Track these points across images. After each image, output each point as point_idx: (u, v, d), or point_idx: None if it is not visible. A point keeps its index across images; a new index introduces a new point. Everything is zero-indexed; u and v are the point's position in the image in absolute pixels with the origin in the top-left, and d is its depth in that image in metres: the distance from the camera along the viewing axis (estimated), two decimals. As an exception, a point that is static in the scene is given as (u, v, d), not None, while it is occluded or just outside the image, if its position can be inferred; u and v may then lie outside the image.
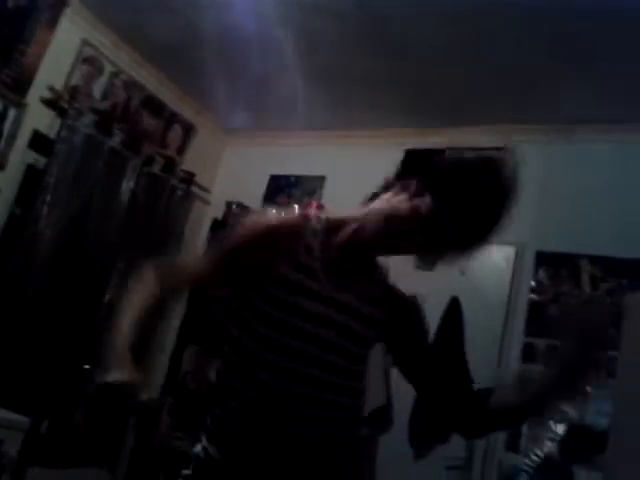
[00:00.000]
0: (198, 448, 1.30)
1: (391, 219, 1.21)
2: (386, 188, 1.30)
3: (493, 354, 3.05)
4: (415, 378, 1.36)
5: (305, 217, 1.31)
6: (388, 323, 1.32)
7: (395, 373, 3.15)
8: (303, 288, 1.23)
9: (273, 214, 1.33)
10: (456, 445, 2.97)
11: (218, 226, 4.01)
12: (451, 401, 1.34)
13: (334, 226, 1.30)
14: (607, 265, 2.98)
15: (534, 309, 3.08)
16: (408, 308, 1.38)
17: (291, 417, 1.22)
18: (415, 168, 1.29)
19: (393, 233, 1.21)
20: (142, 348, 1.22)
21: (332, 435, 1.25)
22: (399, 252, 1.28)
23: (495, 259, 3.26)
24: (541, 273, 3.14)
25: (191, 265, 1.42)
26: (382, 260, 1.38)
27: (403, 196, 1.23)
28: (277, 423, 1.21)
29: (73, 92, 3.26)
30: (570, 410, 2.79)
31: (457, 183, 1.17)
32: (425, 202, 1.17)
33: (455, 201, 1.16)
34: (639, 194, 3.04)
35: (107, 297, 3.43)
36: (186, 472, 1.31)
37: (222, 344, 1.35)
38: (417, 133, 3.74)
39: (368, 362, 1.36)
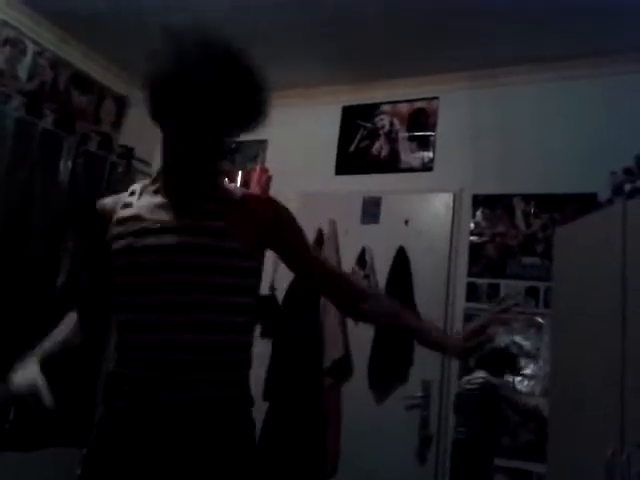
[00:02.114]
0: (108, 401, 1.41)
1: None
2: None
3: (441, 295, 3.22)
4: (293, 265, 1.51)
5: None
6: (233, 226, 1.37)
7: (351, 326, 3.30)
8: (131, 232, 1.37)
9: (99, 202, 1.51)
10: (414, 386, 3.17)
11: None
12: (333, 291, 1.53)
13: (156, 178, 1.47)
14: (539, 202, 3.16)
15: (474, 250, 3.24)
16: (251, 206, 1.43)
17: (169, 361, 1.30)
18: None
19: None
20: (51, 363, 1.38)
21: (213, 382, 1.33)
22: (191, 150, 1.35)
23: (435, 206, 3.40)
24: (479, 215, 3.30)
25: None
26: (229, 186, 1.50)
27: None
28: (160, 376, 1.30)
29: (-2, 76, 3.17)
30: (526, 343, 2.99)
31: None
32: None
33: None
34: (562, 131, 3.20)
35: (60, 280, 3.42)
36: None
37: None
38: (353, 90, 3.80)
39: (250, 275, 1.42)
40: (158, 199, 1.41)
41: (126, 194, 1.48)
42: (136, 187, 1.49)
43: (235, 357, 1.38)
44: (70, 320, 1.54)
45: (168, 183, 1.42)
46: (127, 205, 1.43)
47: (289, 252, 1.49)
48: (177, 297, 1.32)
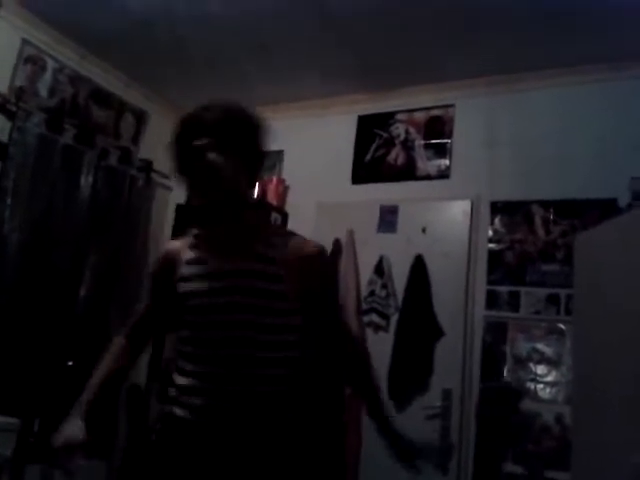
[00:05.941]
0: (168, 409, 1.55)
1: None
2: None
3: (460, 303, 3.19)
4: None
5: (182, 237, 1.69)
6: (289, 276, 1.52)
7: (369, 336, 3.29)
8: (196, 275, 1.56)
9: (167, 245, 1.77)
10: (434, 395, 3.14)
11: (182, 211, 4.03)
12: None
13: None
14: (558, 208, 3.13)
15: (493, 258, 3.22)
16: (305, 260, 1.57)
17: (228, 377, 1.50)
18: None
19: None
20: (100, 404, 1.53)
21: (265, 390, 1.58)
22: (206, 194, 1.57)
23: (453, 214, 3.38)
24: (497, 222, 3.27)
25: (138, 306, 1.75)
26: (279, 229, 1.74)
27: None
28: (221, 384, 1.49)
29: (19, 93, 3.22)
30: (547, 349, 2.96)
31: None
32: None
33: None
34: (581, 136, 3.16)
35: (82, 292, 3.47)
36: (158, 426, 1.58)
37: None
38: (369, 99, 3.81)
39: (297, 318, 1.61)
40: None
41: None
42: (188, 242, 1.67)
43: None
44: (116, 348, 1.67)
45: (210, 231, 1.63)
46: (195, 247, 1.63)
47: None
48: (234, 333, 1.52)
